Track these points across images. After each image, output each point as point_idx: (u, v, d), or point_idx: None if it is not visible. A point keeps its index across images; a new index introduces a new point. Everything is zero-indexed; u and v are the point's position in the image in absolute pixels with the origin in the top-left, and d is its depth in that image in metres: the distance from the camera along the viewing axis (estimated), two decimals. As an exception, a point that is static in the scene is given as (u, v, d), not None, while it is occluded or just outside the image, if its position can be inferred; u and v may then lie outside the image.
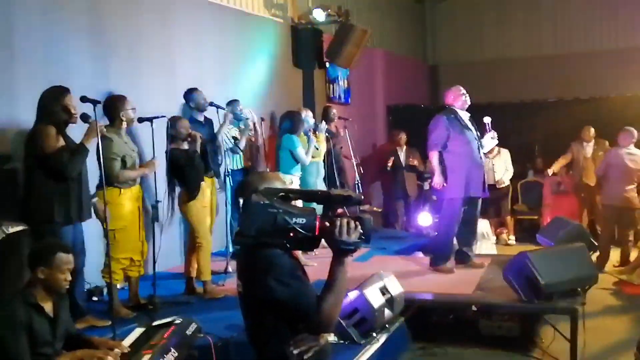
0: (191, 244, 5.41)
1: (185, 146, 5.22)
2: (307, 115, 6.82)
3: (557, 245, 5.80)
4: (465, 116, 6.03)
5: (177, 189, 5.38)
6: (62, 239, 4.10)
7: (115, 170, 4.58)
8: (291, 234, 2.03)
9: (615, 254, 7.66)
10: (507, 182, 9.18)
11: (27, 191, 4.23)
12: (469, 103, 6.03)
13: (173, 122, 5.20)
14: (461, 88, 6.09)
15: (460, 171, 5.86)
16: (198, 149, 5.22)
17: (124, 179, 4.64)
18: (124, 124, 4.74)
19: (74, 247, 4.19)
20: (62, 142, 4.14)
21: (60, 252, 3.13)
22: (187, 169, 5.16)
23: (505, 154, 9.15)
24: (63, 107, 4.17)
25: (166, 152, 5.22)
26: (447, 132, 5.89)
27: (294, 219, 2.02)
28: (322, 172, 6.91)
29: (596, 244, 6.39)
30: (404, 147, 9.50)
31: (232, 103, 6.58)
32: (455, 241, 6.27)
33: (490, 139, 6.12)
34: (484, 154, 6.18)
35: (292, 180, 6.02)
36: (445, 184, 5.88)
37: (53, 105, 4.16)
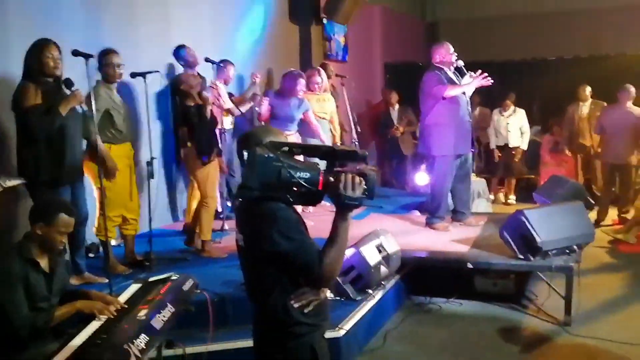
0: (199, 202, 5.35)
1: (197, 100, 5.13)
2: (322, 75, 6.73)
3: (554, 203, 5.81)
4: (451, 73, 5.94)
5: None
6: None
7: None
8: (295, 188, 2.01)
9: (613, 212, 7.71)
10: (524, 147, 9.08)
11: (18, 151, 4.14)
12: (457, 63, 5.91)
13: (181, 78, 5.09)
14: (450, 46, 5.96)
15: (449, 129, 5.82)
16: (208, 109, 5.11)
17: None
18: (111, 78, 4.65)
19: (76, 205, 4.18)
20: (38, 100, 3.99)
21: (63, 213, 3.09)
22: (200, 125, 5.07)
23: (521, 113, 9.06)
24: (41, 61, 4.02)
25: (180, 109, 5.11)
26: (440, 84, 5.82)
27: (298, 173, 2.00)
28: (328, 132, 6.80)
29: (593, 203, 6.40)
30: (396, 106, 9.43)
31: (225, 63, 6.43)
32: (450, 199, 6.28)
33: (469, 79, 5.94)
34: (471, 105, 6.08)
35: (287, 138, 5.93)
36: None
37: (31, 60, 4.04)
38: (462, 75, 5.97)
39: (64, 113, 3.99)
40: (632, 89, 7.45)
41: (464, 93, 5.90)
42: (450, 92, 5.78)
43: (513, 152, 9.06)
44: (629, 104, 7.45)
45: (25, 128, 4.01)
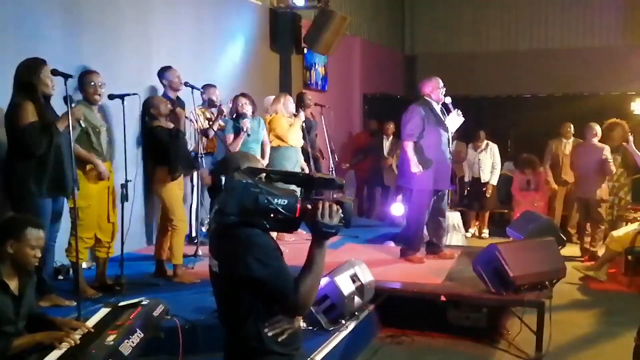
0: (163, 226, 5.31)
1: (166, 124, 5.10)
2: (287, 101, 6.71)
3: (526, 238, 5.86)
4: (438, 108, 6.01)
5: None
6: (39, 212, 4.05)
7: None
8: (272, 215, 2.01)
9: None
10: (494, 182, 9.19)
11: (6, 164, 4.19)
12: (443, 98, 6.00)
13: (152, 100, 5.09)
14: (439, 81, 6.04)
15: (429, 164, 5.87)
16: (182, 127, 5.08)
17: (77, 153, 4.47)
18: (93, 100, 4.65)
19: (52, 220, 4.19)
20: (35, 118, 4.03)
21: (31, 227, 3.05)
22: (171, 147, 5.01)
23: (494, 148, 9.18)
24: (40, 80, 4.07)
25: (147, 129, 5.09)
26: (423, 124, 5.88)
27: (276, 200, 2.01)
28: (300, 159, 6.78)
29: (565, 239, 6.46)
30: (390, 137, 9.52)
31: (207, 87, 6.44)
32: (425, 232, 6.31)
33: (456, 116, 6.04)
34: (452, 138, 6.16)
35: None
36: (420, 172, 5.87)
37: (29, 78, 4.07)
38: (449, 112, 6.05)
39: (61, 129, 4.04)
40: (597, 127, 7.67)
41: (445, 130, 5.95)
42: (405, 148, 5.88)
43: (484, 188, 9.17)
44: (595, 140, 7.64)
45: (21, 144, 4.03)
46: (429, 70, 11.38)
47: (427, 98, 6.01)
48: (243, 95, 6.29)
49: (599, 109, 9.88)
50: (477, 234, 9.41)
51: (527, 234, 6.03)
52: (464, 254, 6.38)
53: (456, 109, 6.03)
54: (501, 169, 9.37)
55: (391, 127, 9.50)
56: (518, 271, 4.74)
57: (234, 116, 6.14)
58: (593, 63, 12.03)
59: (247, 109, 6.11)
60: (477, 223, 9.56)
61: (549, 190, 8.98)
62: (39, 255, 3.12)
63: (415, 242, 6.12)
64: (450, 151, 6.06)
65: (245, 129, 6.00)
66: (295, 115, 6.65)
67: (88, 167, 4.60)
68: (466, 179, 9.48)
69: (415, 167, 5.88)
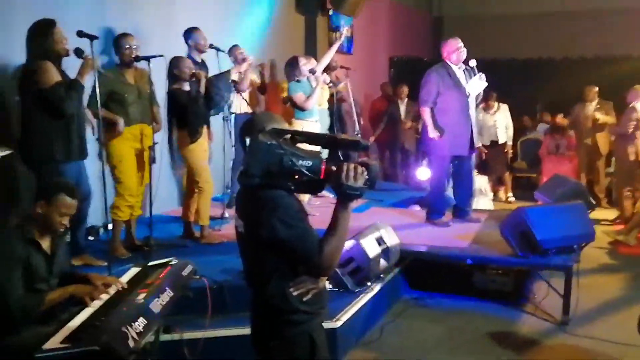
0: (190, 188, 5.35)
1: (187, 87, 5.10)
2: (309, 63, 6.64)
3: (555, 202, 5.80)
4: (458, 71, 5.88)
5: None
6: (65, 177, 4.07)
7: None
8: (296, 176, 2.00)
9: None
10: (510, 142, 9.11)
11: (25, 129, 4.16)
12: (464, 57, 5.86)
13: (176, 61, 5.07)
14: (458, 41, 5.89)
15: (448, 129, 5.80)
16: (202, 90, 5.06)
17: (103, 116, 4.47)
18: (121, 60, 4.68)
19: (77, 185, 4.19)
20: (58, 77, 4.04)
21: (64, 194, 3.06)
22: (190, 110, 5.01)
23: (505, 109, 9.08)
24: (53, 40, 4.05)
25: (168, 92, 5.10)
26: (437, 88, 5.80)
27: (300, 161, 1.99)
28: (328, 121, 6.75)
29: (594, 203, 6.38)
30: (405, 100, 9.39)
31: (233, 48, 6.41)
32: (452, 196, 6.28)
33: (478, 80, 5.90)
34: (476, 102, 6.05)
35: (302, 126, 5.87)
36: (439, 137, 5.81)
37: (42, 39, 4.05)
38: (473, 74, 5.92)
39: (84, 82, 4.05)
40: None
41: (464, 94, 5.84)
42: (422, 114, 5.86)
43: (505, 150, 9.06)
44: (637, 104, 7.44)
45: (50, 105, 4.02)
46: (457, 32, 11.03)
47: (446, 60, 5.90)
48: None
49: (633, 72, 9.61)
50: (503, 198, 9.33)
51: (555, 198, 5.97)
52: (491, 218, 6.35)
53: (480, 73, 5.89)
54: (531, 133, 9.25)
55: (405, 90, 9.35)
56: (546, 235, 4.70)
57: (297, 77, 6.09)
58: (625, 25, 11.66)
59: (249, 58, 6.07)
60: (502, 188, 9.48)
61: (577, 155, 8.84)
62: (66, 222, 3.14)
63: (439, 205, 6.10)
64: (470, 115, 5.93)
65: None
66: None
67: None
68: (480, 144, 9.29)
69: (432, 132, 5.82)
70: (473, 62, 5.89)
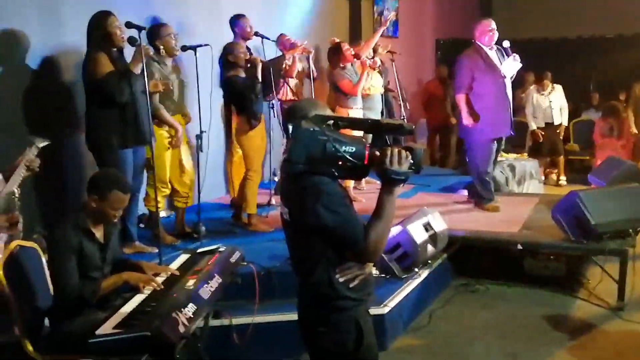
0: (243, 175, 5.37)
1: (243, 74, 5.13)
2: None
3: (609, 185, 5.62)
4: (491, 52, 5.77)
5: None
6: (122, 163, 4.18)
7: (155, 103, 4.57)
8: (340, 163, 1.99)
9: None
10: (565, 123, 8.91)
11: (87, 117, 4.32)
12: (495, 39, 5.76)
13: (230, 47, 5.10)
14: (491, 22, 5.79)
15: (487, 112, 5.70)
16: (259, 76, 5.08)
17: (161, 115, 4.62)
18: (163, 53, 4.69)
19: (136, 171, 4.33)
20: (110, 67, 4.13)
21: (118, 190, 3.10)
22: (249, 96, 5.02)
23: (559, 90, 8.86)
24: (108, 31, 4.16)
25: (224, 80, 5.14)
26: (471, 73, 5.71)
27: (344, 147, 1.98)
28: (379, 107, 6.63)
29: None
30: None
31: (280, 37, 6.43)
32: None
33: (512, 62, 5.78)
34: (511, 81, 5.89)
35: (348, 114, 5.83)
36: (474, 124, 5.72)
37: (98, 30, 4.16)
38: (507, 55, 5.81)
39: (137, 72, 4.12)
40: None
41: (502, 76, 5.72)
42: (458, 101, 5.76)
43: (557, 131, 8.85)
44: None
45: (103, 95, 4.13)
46: (506, 12, 10.85)
47: (478, 43, 5.78)
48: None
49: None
50: (554, 181, 9.11)
51: (609, 181, 5.80)
52: (542, 202, 6.21)
53: (514, 54, 5.78)
54: (582, 112, 9.00)
55: None
56: (600, 219, 4.58)
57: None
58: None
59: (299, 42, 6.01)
60: (554, 171, 9.25)
61: (634, 137, 8.53)
62: (119, 214, 3.20)
63: (485, 191, 6.00)
64: (508, 97, 5.81)
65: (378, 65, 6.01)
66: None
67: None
68: (531, 128, 9.06)
69: (466, 119, 5.73)
70: (507, 43, 5.80)
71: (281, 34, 6.42)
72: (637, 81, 8.55)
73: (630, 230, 4.74)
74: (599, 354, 4.03)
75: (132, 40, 4.08)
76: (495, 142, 5.91)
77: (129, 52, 4.24)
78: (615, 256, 4.68)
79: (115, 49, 4.24)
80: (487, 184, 6.00)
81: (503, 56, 5.81)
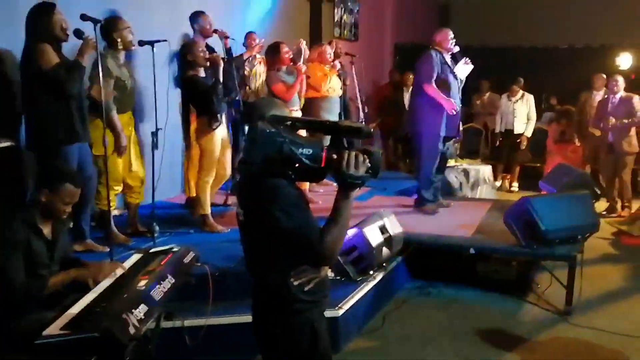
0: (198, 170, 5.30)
1: (203, 73, 5.05)
2: (324, 50, 6.56)
3: (560, 192, 5.77)
4: (447, 57, 5.94)
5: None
6: (68, 159, 4.07)
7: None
8: (297, 165, 1.96)
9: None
10: (528, 134, 9.04)
11: (29, 112, 4.15)
12: (454, 49, 5.91)
13: (189, 46, 5.03)
14: (450, 32, 5.97)
15: (440, 112, 5.81)
16: (220, 75, 5.00)
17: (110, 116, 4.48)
18: (120, 47, 4.59)
19: (81, 168, 4.21)
20: (57, 59, 4.01)
21: (69, 184, 3.04)
22: (210, 95, 4.94)
23: (530, 99, 9.01)
24: (53, 23, 4.02)
25: (184, 79, 5.06)
26: (436, 68, 5.81)
27: (300, 149, 1.95)
28: (337, 110, 6.56)
29: (599, 193, 6.34)
30: (411, 88, 9.31)
31: (247, 35, 6.39)
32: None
33: (464, 65, 5.96)
34: (461, 87, 6.05)
35: None
36: (452, 107, 5.79)
37: (42, 22, 4.02)
38: (457, 61, 5.98)
39: (85, 64, 4.01)
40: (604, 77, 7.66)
41: (455, 77, 5.89)
42: (428, 90, 5.80)
43: (518, 140, 9.02)
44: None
45: (52, 86, 3.99)
46: (463, 19, 11.05)
47: (437, 47, 5.91)
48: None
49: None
50: (506, 187, 9.30)
51: (560, 188, 5.94)
52: (494, 207, 6.33)
53: (464, 58, 5.97)
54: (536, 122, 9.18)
55: (411, 77, 9.29)
56: (550, 225, 4.68)
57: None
58: (631, 15, 11.53)
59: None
60: (507, 177, 9.44)
61: (583, 144, 8.78)
62: (69, 210, 3.14)
63: (427, 192, 6.10)
64: (459, 99, 5.99)
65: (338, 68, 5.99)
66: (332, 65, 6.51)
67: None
68: (497, 130, 9.33)
69: (446, 102, 5.77)
70: (456, 49, 5.94)
71: (249, 32, 6.37)
72: (585, 90, 8.78)
73: (579, 236, 4.87)
74: (548, 357, 4.12)
75: (78, 33, 3.98)
76: (443, 143, 6.00)
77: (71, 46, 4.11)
78: (564, 261, 4.79)
79: (58, 42, 4.09)
80: (430, 185, 6.08)
81: (453, 62, 5.97)
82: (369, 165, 1.99)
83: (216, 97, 4.96)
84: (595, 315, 4.65)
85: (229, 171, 5.40)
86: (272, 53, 5.97)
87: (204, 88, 4.95)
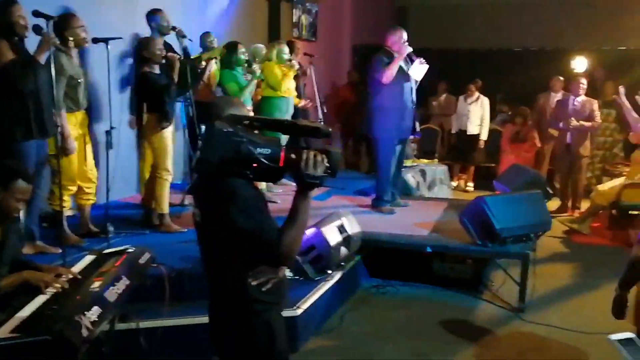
0: (152, 174, 5.24)
1: (157, 70, 4.98)
2: (282, 49, 6.53)
3: (513, 191, 5.89)
4: (401, 61, 5.94)
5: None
6: (23, 156, 3.96)
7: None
8: (254, 165, 1.94)
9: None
10: (484, 137, 9.18)
11: None
12: (407, 50, 5.92)
13: (145, 43, 4.94)
14: (402, 33, 5.99)
15: (394, 113, 5.88)
16: (176, 74, 4.92)
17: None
18: (72, 44, 4.49)
19: (37, 165, 4.09)
20: (12, 55, 3.91)
21: (21, 180, 2.95)
22: (163, 94, 4.88)
23: (485, 102, 9.16)
24: (10, 19, 3.93)
25: (138, 75, 4.97)
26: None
27: (258, 149, 1.93)
28: (291, 110, 6.55)
29: (552, 193, 6.50)
30: None
31: (204, 35, 6.32)
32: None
33: (419, 65, 6.01)
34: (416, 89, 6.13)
35: None
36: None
37: (1, 18, 3.91)
38: (412, 61, 6.01)
39: (42, 61, 3.91)
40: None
41: (408, 80, 5.93)
42: (387, 74, 5.80)
43: (472, 141, 9.17)
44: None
45: (5, 83, 3.89)
46: (420, 21, 11.18)
47: (388, 49, 5.95)
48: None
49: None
50: (462, 186, 9.45)
51: (514, 187, 6.06)
52: (450, 206, 6.42)
53: (419, 58, 6.01)
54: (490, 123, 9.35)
55: None
56: (504, 223, 4.77)
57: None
58: (586, 17, 11.86)
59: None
60: (463, 176, 9.59)
61: (542, 145, 8.98)
62: (22, 207, 3.05)
63: (385, 192, 6.16)
64: (412, 100, 6.04)
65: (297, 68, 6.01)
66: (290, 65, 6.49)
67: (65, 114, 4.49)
68: (453, 131, 9.49)
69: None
70: (409, 49, 5.96)
71: (206, 32, 6.31)
72: (544, 92, 8.99)
73: (532, 234, 4.99)
74: (501, 353, 4.20)
75: (37, 29, 3.89)
76: (399, 143, 6.05)
77: (31, 42, 4.01)
78: (517, 259, 4.91)
79: (16, 38, 3.99)
80: (387, 185, 6.14)
81: (407, 63, 6.00)
82: (328, 165, 1.98)
83: (168, 97, 4.90)
84: (547, 311, 4.76)
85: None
86: (229, 52, 5.95)
87: (156, 87, 4.89)
